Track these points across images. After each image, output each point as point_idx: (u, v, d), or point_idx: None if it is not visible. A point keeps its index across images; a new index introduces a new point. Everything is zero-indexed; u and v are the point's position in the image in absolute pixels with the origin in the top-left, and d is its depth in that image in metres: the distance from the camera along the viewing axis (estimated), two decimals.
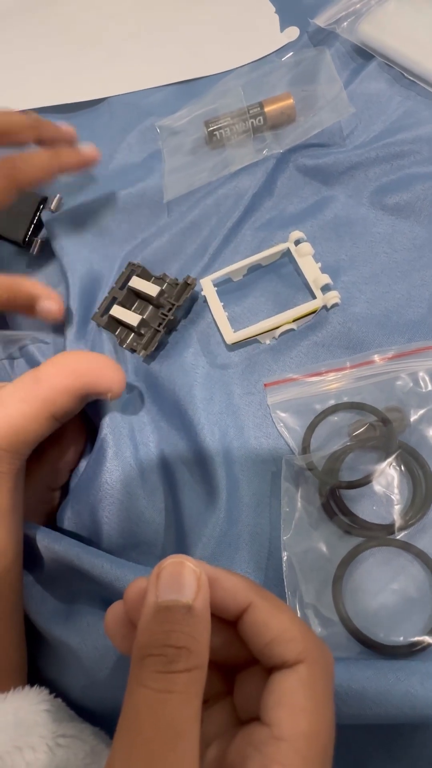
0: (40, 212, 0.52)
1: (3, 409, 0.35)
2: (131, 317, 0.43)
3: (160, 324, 0.43)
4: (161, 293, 0.44)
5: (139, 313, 0.44)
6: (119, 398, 0.41)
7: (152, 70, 0.59)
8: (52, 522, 0.44)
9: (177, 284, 0.45)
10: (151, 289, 0.44)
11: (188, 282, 0.44)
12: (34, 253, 0.52)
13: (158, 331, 0.43)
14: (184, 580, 0.24)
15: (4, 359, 0.51)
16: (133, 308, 0.45)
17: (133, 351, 0.44)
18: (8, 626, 0.39)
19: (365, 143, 0.49)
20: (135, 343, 0.44)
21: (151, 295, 0.44)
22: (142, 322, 0.44)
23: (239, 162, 0.49)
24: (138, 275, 0.45)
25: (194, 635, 0.23)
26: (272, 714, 0.24)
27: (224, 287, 0.47)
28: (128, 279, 0.45)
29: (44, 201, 0.53)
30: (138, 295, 0.45)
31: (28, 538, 0.41)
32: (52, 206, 0.53)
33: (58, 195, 0.53)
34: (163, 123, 0.55)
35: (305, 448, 0.39)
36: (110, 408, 0.43)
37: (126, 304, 0.44)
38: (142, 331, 0.44)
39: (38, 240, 0.52)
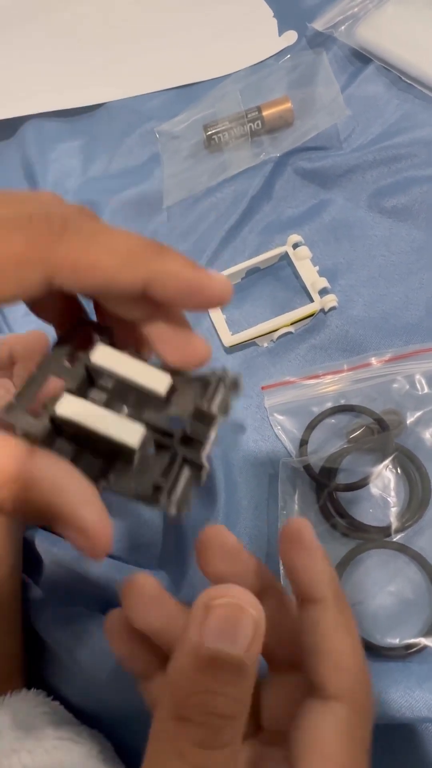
0: None
1: None
2: (117, 425, 0.20)
3: (186, 445, 0.22)
4: (171, 390, 0.22)
5: (134, 415, 0.22)
6: None
7: (151, 74, 0.60)
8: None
9: (203, 380, 0.23)
10: (149, 377, 0.22)
11: (230, 381, 0.23)
12: None
13: (193, 465, 0.21)
14: (241, 629, 0.19)
15: None
16: (104, 401, 0.22)
17: (153, 504, 0.21)
18: (8, 629, 0.39)
19: (363, 146, 0.49)
20: (136, 486, 0.21)
21: (149, 389, 0.22)
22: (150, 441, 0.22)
23: (237, 166, 0.50)
24: (105, 341, 0.22)
25: (241, 697, 0.19)
26: (302, 761, 0.21)
27: None
28: (68, 344, 0.23)
29: None
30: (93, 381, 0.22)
31: (28, 542, 0.41)
32: None
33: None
34: (162, 128, 0.55)
35: (302, 451, 0.40)
36: None
37: (88, 394, 0.22)
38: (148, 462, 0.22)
39: None
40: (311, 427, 0.40)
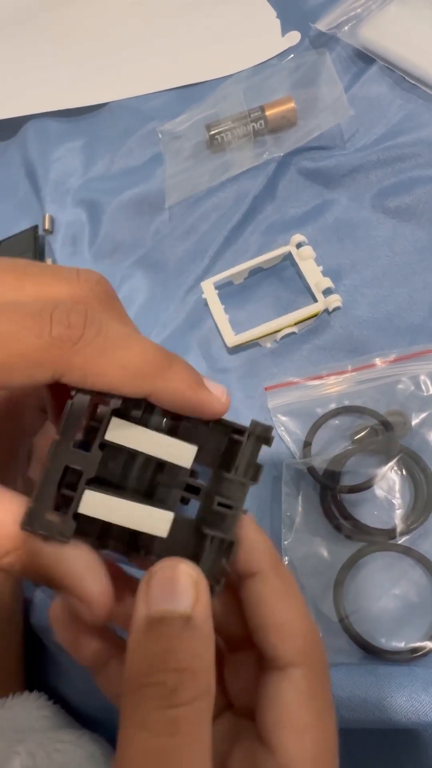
0: (38, 239, 0.53)
1: None
2: (144, 517, 0.21)
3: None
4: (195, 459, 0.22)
5: (134, 490, 0.22)
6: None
7: (154, 74, 0.60)
8: None
9: (230, 431, 0.22)
10: (173, 451, 0.21)
11: (260, 434, 0.22)
12: None
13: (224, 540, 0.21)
14: (179, 585, 0.20)
15: None
16: (112, 476, 0.22)
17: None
18: (7, 632, 0.39)
19: (366, 146, 0.49)
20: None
21: (175, 464, 0.22)
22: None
23: (240, 166, 0.50)
24: (119, 414, 0.21)
25: (197, 651, 0.19)
26: (274, 737, 0.21)
27: (226, 290, 0.47)
28: (92, 425, 0.21)
29: (36, 228, 0.53)
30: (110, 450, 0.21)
31: None
32: (45, 227, 0.54)
33: (46, 214, 0.54)
34: (165, 127, 0.55)
35: (306, 452, 0.39)
36: None
37: (109, 479, 0.22)
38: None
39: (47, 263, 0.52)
40: (315, 428, 0.40)
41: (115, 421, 0.20)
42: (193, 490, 0.22)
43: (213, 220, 0.50)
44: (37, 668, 0.41)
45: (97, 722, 0.38)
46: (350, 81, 0.53)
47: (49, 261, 0.53)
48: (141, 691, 0.18)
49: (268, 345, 0.44)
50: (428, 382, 0.39)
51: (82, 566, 0.20)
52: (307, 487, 0.38)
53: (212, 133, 0.52)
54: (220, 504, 0.21)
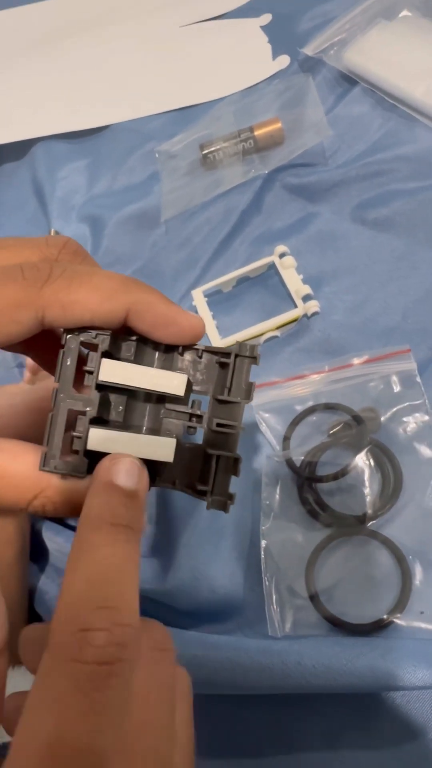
0: None
1: None
2: (148, 446, 0.23)
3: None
4: (189, 388, 0.24)
5: (138, 427, 0.25)
6: None
7: (152, 98, 0.64)
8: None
9: (218, 356, 0.24)
10: (164, 382, 0.23)
11: (248, 353, 0.24)
12: None
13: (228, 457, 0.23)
14: (134, 471, 0.21)
15: (15, 367, 0.54)
16: (116, 415, 0.24)
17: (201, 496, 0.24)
18: (15, 612, 0.42)
19: (348, 162, 0.52)
20: (178, 481, 0.25)
21: (168, 393, 0.23)
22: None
23: (230, 182, 0.53)
24: (107, 354, 0.23)
25: (136, 518, 0.21)
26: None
27: (215, 298, 0.50)
28: (87, 369, 0.23)
29: None
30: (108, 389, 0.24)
31: (34, 530, 0.44)
32: None
33: (52, 229, 0.58)
34: (162, 147, 0.59)
35: (285, 446, 0.42)
36: None
37: (104, 416, 0.24)
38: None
39: None
40: (294, 424, 0.43)
41: (107, 363, 0.22)
42: (196, 419, 0.24)
43: (205, 233, 0.53)
44: None
45: None
46: (335, 101, 0.57)
47: None
48: (93, 519, 0.20)
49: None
50: (397, 381, 0.42)
51: None
52: (285, 478, 0.41)
53: (205, 152, 0.56)
54: (218, 425, 0.23)
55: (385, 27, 0.57)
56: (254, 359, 0.24)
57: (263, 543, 0.39)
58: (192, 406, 0.24)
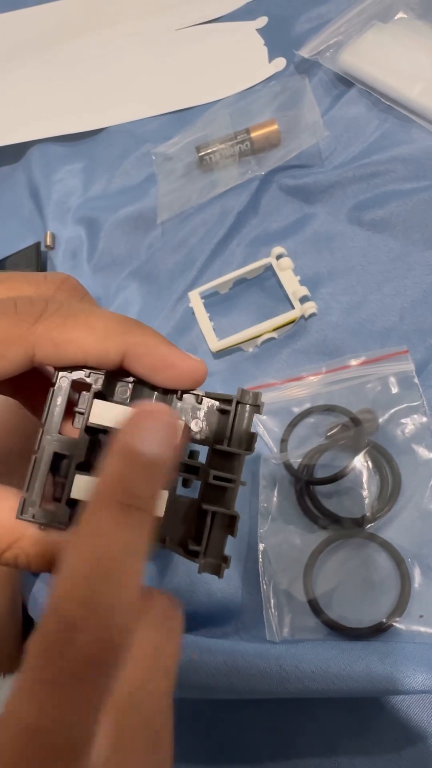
0: (41, 255, 0.57)
1: None
2: None
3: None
4: (186, 436, 0.23)
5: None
6: None
7: (148, 100, 0.64)
8: None
9: (219, 401, 0.23)
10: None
11: (250, 401, 0.23)
12: None
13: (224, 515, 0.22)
14: (164, 431, 0.19)
15: None
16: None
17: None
18: (7, 616, 0.41)
19: (344, 164, 0.52)
20: (169, 538, 0.23)
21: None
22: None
23: (225, 184, 0.53)
24: (99, 395, 0.22)
25: (156, 493, 0.19)
26: None
27: (212, 299, 0.50)
28: (77, 410, 0.22)
29: (39, 244, 0.57)
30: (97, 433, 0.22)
31: None
32: (47, 243, 0.57)
33: (48, 231, 0.58)
34: (158, 150, 0.59)
35: (283, 448, 0.42)
36: None
37: (90, 462, 0.22)
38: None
39: None
40: (291, 426, 0.43)
41: (99, 404, 0.21)
42: (192, 470, 0.22)
43: (201, 235, 0.53)
44: None
45: None
46: (331, 103, 0.57)
47: None
48: (108, 488, 0.18)
49: (250, 350, 0.47)
50: (395, 382, 0.41)
51: None
52: (283, 480, 0.41)
53: (201, 154, 0.56)
54: (216, 478, 0.21)
55: (380, 29, 0.57)
56: (257, 407, 0.22)
57: (261, 546, 0.39)
58: (190, 456, 0.22)
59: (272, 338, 0.46)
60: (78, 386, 0.21)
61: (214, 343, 0.46)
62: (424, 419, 0.40)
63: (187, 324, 0.50)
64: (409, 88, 0.53)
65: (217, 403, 0.22)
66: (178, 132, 0.59)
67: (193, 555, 0.22)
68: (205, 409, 0.22)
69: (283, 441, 0.42)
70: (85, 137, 0.64)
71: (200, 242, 0.53)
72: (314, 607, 0.36)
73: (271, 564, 0.38)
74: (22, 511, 0.20)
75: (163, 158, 0.58)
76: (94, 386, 0.21)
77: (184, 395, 0.22)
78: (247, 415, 0.22)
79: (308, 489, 0.40)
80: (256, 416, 0.43)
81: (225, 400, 0.22)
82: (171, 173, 0.57)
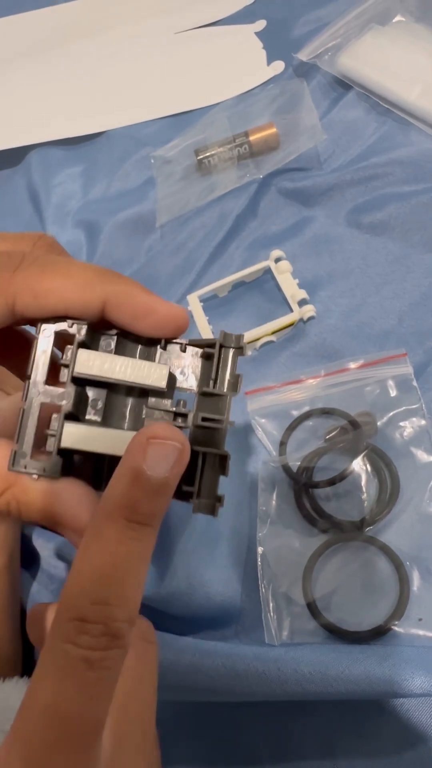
0: None
1: None
2: (124, 443, 0.20)
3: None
4: (172, 383, 0.22)
5: (118, 425, 0.23)
6: None
7: (147, 104, 0.64)
8: None
9: (202, 347, 0.23)
10: (144, 373, 0.21)
11: (233, 343, 0.22)
12: None
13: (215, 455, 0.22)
14: (171, 455, 0.19)
15: None
16: (112, 419, 0.23)
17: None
18: (5, 620, 0.41)
19: (342, 166, 0.52)
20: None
21: (148, 386, 0.21)
22: None
23: (224, 187, 0.53)
24: (84, 344, 0.21)
25: (161, 512, 0.20)
26: None
27: (211, 303, 0.50)
28: (63, 363, 0.21)
29: None
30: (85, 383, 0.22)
31: (26, 537, 0.44)
32: None
33: (47, 233, 0.58)
34: (157, 153, 0.59)
35: (282, 451, 0.42)
36: None
37: (80, 413, 0.22)
38: None
39: None
40: (290, 429, 0.43)
41: (84, 353, 0.21)
42: (181, 417, 0.22)
43: (200, 238, 0.53)
44: (32, 656, 0.44)
45: None
46: (329, 106, 0.57)
47: None
48: (113, 509, 0.19)
49: (249, 353, 0.47)
50: (394, 385, 0.42)
51: (75, 500, 0.21)
52: (282, 484, 0.41)
53: (200, 157, 0.56)
54: (204, 419, 0.21)
55: (379, 32, 0.57)
56: (240, 350, 0.22)
57: (260, 549, 0.39)
58: (177, 404, 0.23)
59: (271, 341, 0.47)
60: (62, 340, 0.21)
61: None
62: (423, 422, 0.40)
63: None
64: (407, 91, 0.53)
65: (200, 350, 0.22)
66: (177, 135, 0.59)
67: (186, 497, 0.22)
68: (190, 356, 0.23)
69: (282, 444, 0.42)
70: (85, 141, 0.64)
71: (199, 245, 0.53)
72: (313, 610, 0.36)
73: (270, 567, 0.38)
74: (13, 462, 0.21)
75: (162, 161, 0.58)
76: (78, 336, 0.21)
77: (168, 345, 0.22)
78: (231, 357, 0.22)
79: (307, 492, 0.40)
80: (254, 420, 0.44)
81: (208, 345, 0.22)
82: (170, 176, 0.57)
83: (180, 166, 0.58)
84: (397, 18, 0.59)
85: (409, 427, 0.40)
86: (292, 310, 0.47)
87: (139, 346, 0.22)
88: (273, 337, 0.46)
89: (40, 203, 0.62)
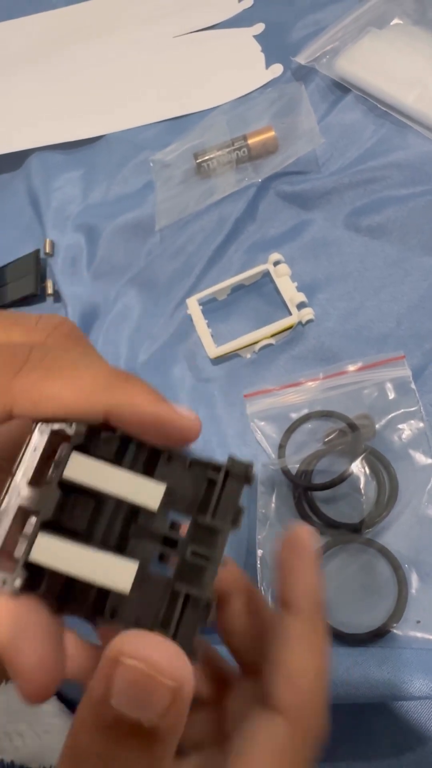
0: (40, 262, 0.57)
1: None
2: (104, 565, 0.18)
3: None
4: (168, 503, 0.19)
5: (103, 542, 0.19)
6: None
7: (146, 108, 0.64)
8: None
9: (205, 469, 0.20)
10: (138, 489, 0.19)
11: (240, 473, 0.20)
12: (51, 294, 0.56)
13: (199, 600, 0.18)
14: (152, 695, 0.15)
15: None
16: (76, 523, 0.19)
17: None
18: None
19: (340, 170, 0.52)
20: (137, 618, 0.19)
21: (139, 504, 0.19)
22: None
23: (222, 191, 0.53)
24: (79, 448, 0.19)
25: (151, 764, 0.16)
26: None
27: (210, 306, 0.50)
28: (50, 459, 0.19)
29: (38, 252, 0.58)
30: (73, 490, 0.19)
31: None
32: (47, 251, 0.58)
33: (47, 239, 0.58)
34: (156, 157, 0.59)
35: (281, 454, 0.42)
36: None
37: (61, 521, 0.19)
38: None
39: (47, 284, 0.56)
40: (289, 432, 0.43)
41: (78, 458, 0.18)
42: (171, 543, 0.19)
43: (199, 241, 0.54)
44: None
45: None
46: (327, 109, 0.57)
47: (49, 282, 0.57)
48: None
49: (248, 356, 0.47)
50: (392, 387, 0.42)
51: (21, 630, 0.17)
52: (281, 486, 0.41)
53: (199, 161, 0.56)
54: (194, 553, 0.18)
55: (376, 35, 0.58)
56: (247, 480, 0.19)
57: (259, 552, 0.39)
58: (171, 527, 0.19)
59: (270, 344, 0.47)
60: (58, 437, 0.19)
61: (213, 350, 0.46)
62: (421, 425, 0.40)
63: (185, 331, 0.50)
64: (405, 93, 0.53)
65: (206, 470, 0.20)
66: (175, 139, 0.60)
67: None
68: (194, 473, 0.20)
69: (281, 447, 0.43)
70: (84, 145, 0.64)
71: (198, 249, 0.53)
72: None
73: (269, 570, 0.39)
74: None
75: (161, 165, 0.59)
76: (74, 438, 0.18)
77: (171, 458, 0.20)
78: (235, 488, 0.19)
79: (306, 495, 0.40)
80: (255, 422, 0.44)
81: (214, 468, 0.20)
82: (169, 180, 0.58)
83: (179, 169, 0.58)
84: (395, 21, 0.60)
85: (407, 430, 0.40)
86: (290, 313, 0.47)
87: (145, 453, 0.20)
88: (272, 340, 0.46)
89: (40, 207, 0.62)
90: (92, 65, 0.69)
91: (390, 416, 0.41)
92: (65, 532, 0.18)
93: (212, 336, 0.48)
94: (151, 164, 0.59)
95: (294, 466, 0.41)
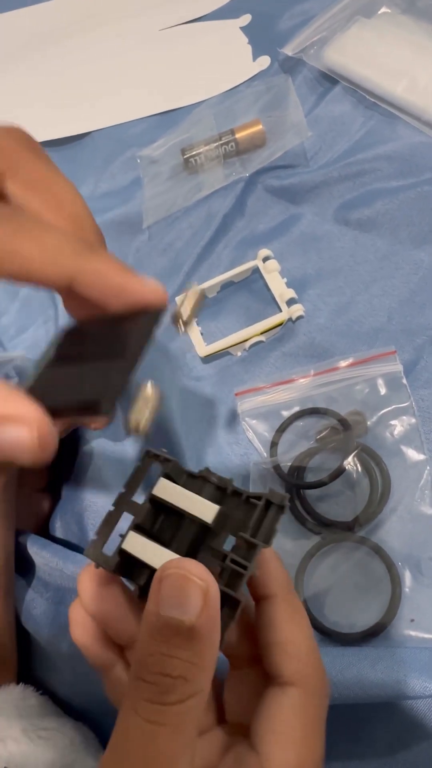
0: None
1: None
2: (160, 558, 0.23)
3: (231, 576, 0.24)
4: (222, 517, 0.25)
5: (176, 549, 0.24)
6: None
7: (133, 103, 0.63)
8: (45, 529, 0.47)
9: (243, 496, 0.25)
10: (199, 507, 0.24)
11: (274, 501, 0.25)
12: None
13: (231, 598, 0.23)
14: (188, 594, 0.20)
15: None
16: (162, 534, 0.26)
17: None
18: (1, 626, 0.41)
19: (329, 163, 0.52)
20: None
21: (199, 519, 0.24)
22: None
23: (210, 186, 0.53)
24: (168, 475, 0.26)
25: (195, 660, 0.20)
26: (264, 744, 0.23)
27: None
28: (138, 480, 0.27)
29: None
30: (163, 509, 0.26)
31: (20, 545, 0.44)
32: None
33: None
34: (143, 153, 0.58)
35: (273, 452, 0.42)
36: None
37: (151, 529, 0.26)
38: None
39: None
40: (281, 429, 0.43)
41: (163, 482, 0.25)
42: (224, 558, 0.24)
43: (187, 238, 0.53)
44: (28, 662, 0.43)
45: (84, 711, 0.41)
46: (315, 101, 0.56)
47: None
48: (139, 683, 0.20)
49: (238, 354, 0.47)
50: (383, 383, 0.41)
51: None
52: (273, 485, 0.41)
53: (186, 156, 0.55)
54: (232, 561, 0.23)
55: (364, 24, 0.57)
56: (282, 509, 0.25)
57: None
58: (231, 549, 0.24)
59: (260, 342, 0.46)
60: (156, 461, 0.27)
61: (203, 349, 0.46)
62: (413, 420, 0.40)
63: (172, 329, 0.50)
64: (394, 84, 0.53)
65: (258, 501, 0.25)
66: (162, 134, 0.59)
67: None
68: (244, 505, 0.25)
69: (273, 445, 0.42)
70: (71, 142, 0.64)
71: (187, 246, 0.53)
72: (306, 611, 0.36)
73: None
74: (88, 550, 0.25)
75: (148, 161, 0.58)
76: (164, 468, 0.26)
77: (235, 493, 0.26)
78: (275, 515, 0.25)
79: (299, 493, 0.40)
80: (246, 420, 0.43)
81: (255, 497, 0.25)
82: (157, 176, 0.57)
83: (167, 165, 0.57)
84: (383, 10, 0.59)
85: (399, 426, 0.40)
86: (280, 310, 0.46)
87: (212, 489, 0.26)
88: (262, 338, 0.46)
89: None
90: (77, 61, 0.68)
91: (382, 412, 0.40)
92: (153, 537, 0.25)
93: (202, 334, 0.47)
94: (139, 160, 0.58)
95: (286, 464, 0.41)
